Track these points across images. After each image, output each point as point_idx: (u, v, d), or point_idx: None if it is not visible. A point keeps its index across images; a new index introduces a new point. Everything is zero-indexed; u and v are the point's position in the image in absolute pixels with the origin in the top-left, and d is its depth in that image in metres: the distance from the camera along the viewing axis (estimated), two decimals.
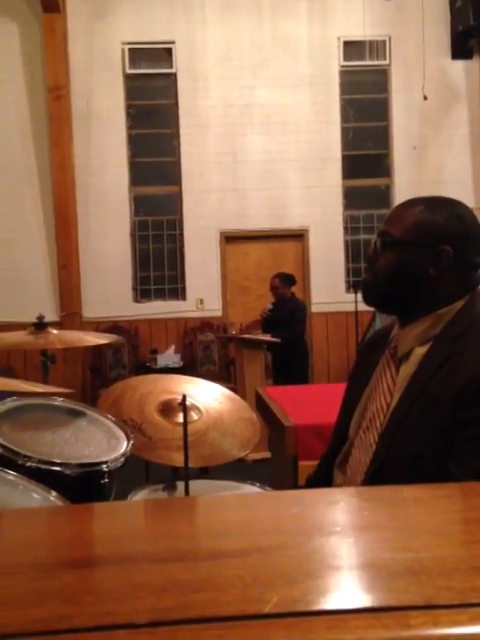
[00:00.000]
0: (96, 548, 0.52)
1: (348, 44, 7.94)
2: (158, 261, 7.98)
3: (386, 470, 1.36)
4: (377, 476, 1.37)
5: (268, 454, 4.32)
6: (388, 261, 1.42)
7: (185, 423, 1.90)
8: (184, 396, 1.96)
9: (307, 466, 2.49)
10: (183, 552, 0.49)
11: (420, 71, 7.73)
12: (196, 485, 2.11)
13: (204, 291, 7.91)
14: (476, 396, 1.25)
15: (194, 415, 2.29)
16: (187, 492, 1.95)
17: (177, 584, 0.43)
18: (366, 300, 1.49)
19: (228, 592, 0.42)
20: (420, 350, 1.40)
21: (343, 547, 0.51)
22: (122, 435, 1.80)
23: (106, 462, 1.64)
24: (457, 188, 7.88)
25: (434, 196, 1.49)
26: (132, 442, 1.77)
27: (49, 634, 0.35)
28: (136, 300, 7.93)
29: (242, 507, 0.63)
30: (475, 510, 0.58)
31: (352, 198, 8.04)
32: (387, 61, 7.98)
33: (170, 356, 7.53)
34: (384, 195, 8.10)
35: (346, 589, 0.43)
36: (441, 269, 1.37)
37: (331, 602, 0.40)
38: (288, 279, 6.38)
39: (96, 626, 0.36)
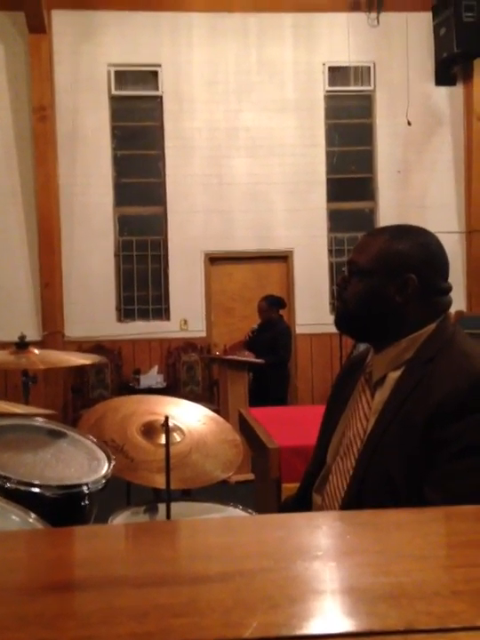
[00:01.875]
0: (77, 571, 0.51)
1: (333, 69, 8.05)
2: (142, 281, 7.98)
3: (362, 495, 1.36)
4: (354, 500, 1.38)
5: (251, 476, 4.30)
6: (356, 290, 1.45)
7: (167, 445, 1.89)
8: (166, 418, 1.95)
9: (290, 488, 2.48)
10: (164, 576, 0.48)
11: (405, 97, 7.84)
12: (178, 508, 2.09)
13: (188, 311, 7.91)
14: (446, 418, 1.27)
15: (176, 437, 2.28)
16: (168, 515, 1.93)
17: (158, 608, 0.43)
18: (338, 328, 1.53)
19: (209, 617, 0.41)
20: (394, 375, 1.41)
21: (325, 571, 0.51)
22: (103, 456, 1.79)
23: (86, 484, 1.62)
24: (440, 211, 7.99)
25: (399, 225, 1.53)
26: (113, 463, 1.76)
27: None
28: (119, 320, 7.90)
29: (224, 530, 0.63)
30: (454, 535, 0.58)
31: (336, 221, 8.11)
32: (371, 87, 8.09)
33: (153, 377, 7.50)
34: (368, 218, 8.18)
35: (328, 614, 0.43)
36: (407, 296, 1.41)
37: (313, 626, 0.40)
38: (276, 302, 6.39)
39: None
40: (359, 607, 0.43)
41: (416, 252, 1.41)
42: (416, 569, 0.49)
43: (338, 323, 1.51)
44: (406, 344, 1.41)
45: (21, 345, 2.15)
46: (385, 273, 1.41)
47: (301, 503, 1.61)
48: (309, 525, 0.64)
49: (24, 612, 0.43)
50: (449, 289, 1.46)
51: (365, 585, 0.47)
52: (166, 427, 1.92)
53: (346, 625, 0.40)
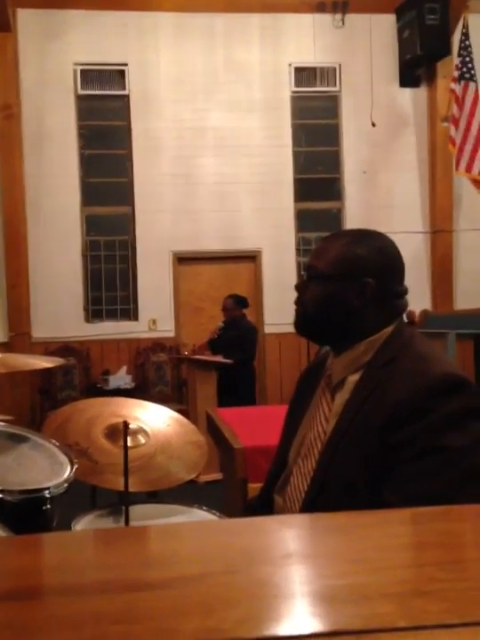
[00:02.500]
0: (14, 581, 0.52)
1: (299, 70, 8.10)
2: (110, 282, 7.94)
3: (322, 497, 1.38)
4: (314, 502, 1.40)
5: (220, 476, 4.32)
6: (314, 294, 1.47)
7: (125, 449, 1.90)
8: (125, 422, 1.96)
9: (256, 488, 2.50)
10: (109, 584, 0.49)
11: (369, 98, 7.93)
12: (141, 510, 2.10)
13: (156, 311, 7.89)
14: (403, 420, 1.28)
15: (141, 439, 2.28)
16: (126, 521, 1.93)
17: (94, 616, 0.44)
18: (298, 332, 1.53)
19: (145, 622, 0.42)
20: (353, 378, 1.43)
21: (262, 576, 0.52)
22: (65, 460, 1.79)
23: (48, 488, 1.62)
24: (406, 211, 8.09)
25: (356, 229, 1.56)
26: (75, 467, 1.76)
27: None
28: (87, 321, 7.86)
29: (171, 536, 0.64)
30: (392, 537, 0.60)
31: (304, 221, 8.16)
32: (337, 88, 8.16)
33: (122, 377, 7.47)
34: (335, 218, 8.25)
35: (257, 618, 0.44)
36: (365, 300, 1.43)
37: (243, 630, 0.41)
38: (241, 301, 6.42)
39: None
40: (291, 611, 0.45)
41: (374, 256, 1.43)
42: (349, 572, 0.51)
43: (297, 326, 1.52)
44: (365, 347, 1.43)
45: None
46: (343, 277, 1.43)
47: (264, 504, 1.63)
48: (254, 529, 0.65)
49: None
50: (405, 292, 1.48)
51: (297, 589, 0.48)
52: (125, 431, 1.93)
53: (273, 628, 0.41)
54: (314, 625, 0.41)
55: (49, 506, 1.62)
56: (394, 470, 1.28)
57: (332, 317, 1.45)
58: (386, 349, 1.41)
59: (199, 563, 0.55)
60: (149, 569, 0.54)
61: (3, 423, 1.86)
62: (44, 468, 1.74)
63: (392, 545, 0.61)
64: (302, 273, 1.58)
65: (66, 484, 1.68)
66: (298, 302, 1.52)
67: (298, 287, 1.51)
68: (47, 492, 1.62)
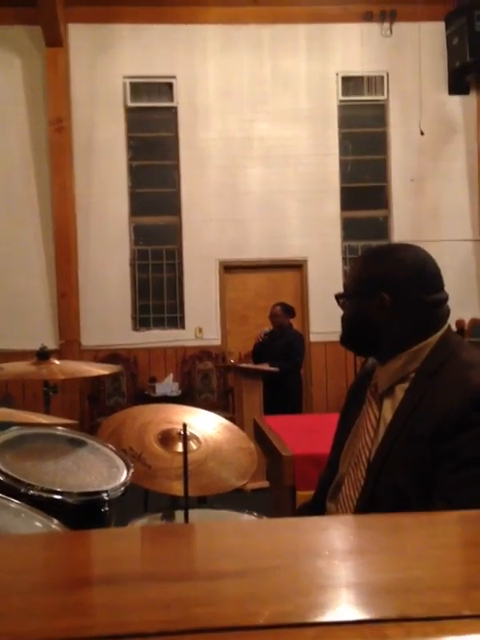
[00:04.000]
0: (106, 568, 0.57)
1: (346, 79, 8.11)
2: (157, 290, 8.05)
3: (373, 505, 1.41)
4: (365, 509, 1.42)
5: (266, 484, 4.33)
6: (346, 313, 1.58)
7: (185, 452, 1.95)
8: (185, 425, 2.01)
9: (304, 495, 2.52)
10: (187, 573, 0.54)
11: (418, 106, 7.89)
12: (194, 515, 2.14)
13: (202, 320, 7.97)
14: (452, 429, 1.30)
15: (193, 445, 2.33)
16: (186, 520, 1.98)
17: (181, 600, 0.48)
18: (343, 346, 1.64)
19: (226, 607, 0.46)
20: (402, 387, 1.46)
21: (331, 568, 0.56)
22: (122, 464, 1.84)
23: (106, 491, 1.68)
24: (454, 219, 8.02)
25: (381, 245, 1.65)
26: (131, 471, 1.81)
27: None
28: (135, 329, 7.98)
29: (238, 532, 0.68)
30: (451, 536, 0.63)
31: (350, 229, 8.15)
32: (385, 96, 8.14)
33: (168, 385, 7.56)
34: (382, 226, 8.21)
35: (331, 605, 0.48)
36: (386, 314, 1.47)
37: (317, 615, 0.45)
38: (289, 310, 6.43)
39: (112, 635, 0.41)
40: (359, 599, 0.48)
41: (388, 271, 1.48)
42: (412, 567, 0.54)
43: (341, 341, 1.62)
44: (407, 357, 1.46)
45: (42, 355, 2.21)
46: (361, 295, 1.51)
47: (316, 510, 1.66)
48: (317, 528, 0.69)
49: (62, 603, 0.48)
50: (441, 300, 1.49)
51: (366, 580, 0.52)
52: (184, 434, 1.98)
53: (346, 614, 0.45)
54: (382, 611, 0.45)
55: (107, 508, 1.67)
56: (443, 480, 1.29)
57: (360, 333, 1.54)
58: (432, 358, 1.43)
59: (268, 556, 0.59)
60: (222, 560, 0.58)
61: (62, 428, 1.93)
62: (102, 471, 1.79)
63: (448, 543, 0.64)
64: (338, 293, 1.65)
65: (123, 488, 1.73)
66: (341, 319, 1.61)
67: (340, 306, 1.61)
68: (105, 494, 1.67)
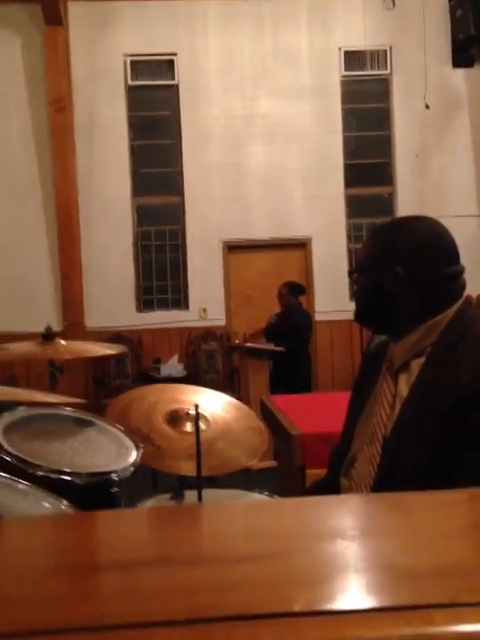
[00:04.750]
0: (123, 552, 0.53)
1: (348, 53, 7.99)
2: (161, 271, 8.01)
3: (390, 482, 1.38)
4: (382, 486, 1.40)
5: (273, 463, 4.33)
6: (360, 287, 1.57)
7: (197, 432, 1.93)
8: (196, 406, 1.98)
9: (314, 474, 2.50)
10: (211, 556, 0.50)
11: (422, 80, 7.78)
12: (204, 494, 2.12)
13: (207, 300, 7.93)
14: (468, 406, 1.28)
15: (202, 425, 2.30)
16: (200, 500, 1.96)
17: (207, 585, 0.45)
18: (357, 322, 1.64)
19: (259, 592, 0.43)
20: (418, 362, 1.44)
21: (365, 550, 0.53)
22: (131, 444, 1.82)
23: (115, 471, 1.66)
24: (459, 195, 7.93)
25: (394, 219, 1.70)
26: (141, 451, 1.79)
27: (91, 630, 0.37)
28: (139, 310, 7.95)
29: (256, 513, 0.65)
30: (469, 516, 0.60)
31: (355, 207, 8.08)
32: (388, 71, 8.03)
33: (173, 366, 7.55)
34: (387, 203, 8.14)
35: (371, 589, 0.45)
36: (401, 287, 1.44)
37: (358, 601, 0.42)
38: (296, 288, 6.39)
39: (135, 623, 0.37)
40: (402, 583, 0.45)
41: (401, 244, 1.45)
42: (453, 548, 0.51)
43: (355, 317, 1.60)
44: (423, 331, 1.43)
45: (48, 336, 2.19)
46: (375, 269, 1.49)
47: (328, 487, 1.64)
48: (339, 507, 0.66)
49: (79, 589, 0.45)
50: (457, 273, 1.47)
51: (405, 562, 0.48)
52: (196, 414, 1.95)
53: (390, 599, 0.42)
54: (427, 596, 0.41)
55: (116, 488, 1.65)
56: (465, 454, 1.27)
57: (375, 306, 1.52)
58: (449, 333, 1.41)
59: (291, 538, 0.55)
60: (243, 542, 0.55)
61: (69, 408, 1.90)
62: (111, 451, 1.77)
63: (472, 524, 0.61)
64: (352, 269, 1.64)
65: (132, 468, 1.71)
66: (355, 295, 1.62)
67: (352, 281, 1.61)
68: (114, 474, 1.65)
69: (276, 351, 5.92)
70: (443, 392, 1.32)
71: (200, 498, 1.97)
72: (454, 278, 1.46)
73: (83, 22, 7.73)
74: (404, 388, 1.44)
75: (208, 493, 2.18)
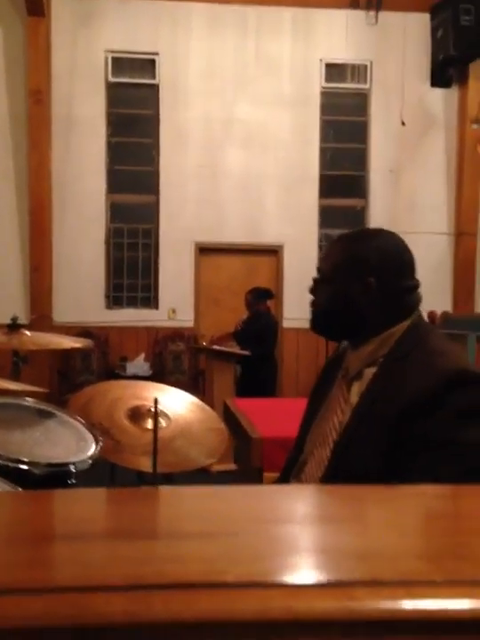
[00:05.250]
0: (72, 526, 0.56)
1: (330, 66, 8.09)
2: (132, 269, 8.01)
3: (336, 483, 1.42)
4: None
5: (233, 466, 4.35)
6: (324, 295, 1.55)
7: (155, 427, 1.94)
8: (156, 400, 2.01)
9: (271, 477, 2.53)
10: (158, 532, 0.54)
11: (400, 97, 7.90)
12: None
13: (176, 301, 7.94)
14: (416, 412, 1.31)
15: (162, 422, 2.32)
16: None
17: (150, 557, 0.48)
18: (314, 331, 1.61)
19: (198, 564, 0.46)
20: (370, 371, 1.48)
21: (299, 534, 0.56)
22: (90, 437, 1.84)
23: (73, 463, 1.67)
24: (431, 212, 8.07)
25: (358, 230, 1.69)
26: (100, 445, 1.80)
27: (39, 592, 0.40)
28: (108, 307, 7.93)
29: (205, 497, 0.68)
30: (422, 508, 0.64)
31: (327, 217, 8.16)
32: (367, 85, 8.14)
33: (139, 365, 7.54)
34: (359, 215, 8.24)
35: (300, 567, 0.48)
36: (369, 298, 1.48)
37: (289, 577, 0.45)
38: (261, 294, 6.43)
39: (79, 586, 0.40)
40: (328, 562, 0.48)
41: (372, 255, 1.48)
42: (382, 535, 0.55)
43: (312, 326, 1.60)
44: (379, 342, 1.47)
45: (13, 326, 2.19)
46: (345, 278, 1.50)
47: None
48: (285, 495, 0.69)
49: (27, 557, 0.48)
50: (415, 286, 1.52)
51: (335, 546, 0.52)
52: (155, 409, 1.97)
53: (317, 576, 0.45)
54: (351, 574, 0.45)
55: (74, 480, 1.67)
56: (407, 462, 1.31)
57: (340, 316, 1.52)
58: (402, 344, 1.45)
59: (235, 520, 0.59)
60: (189, 522, 0.58)
61: (31, 399, 1.91)
62: (70, 443, 1.79)
63: (415, 515, 0.64)
64: (312, 276, 1.64)
65: (90, 461, 1.72)
66: (311, 304, 1.60)
67: (312, 290, 1.59)
68: (72, 466, 1.66)
69: (241, 354, 5.96)
70: (391, 400, 1.36)
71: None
72: (413, 291, 1.51)
73: (66, 15, 7.70)
74: (356, 395, 1.48)
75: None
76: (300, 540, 0.54)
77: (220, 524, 0.57)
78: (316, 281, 1.58)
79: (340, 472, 1.42)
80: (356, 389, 1.49)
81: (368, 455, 1.36)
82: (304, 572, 0.46)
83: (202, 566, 0.45)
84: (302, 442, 1.62)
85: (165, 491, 0.92)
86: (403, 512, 0.63)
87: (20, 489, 1.49)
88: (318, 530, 0.57)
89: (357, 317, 1.49)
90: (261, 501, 0.65)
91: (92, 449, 1.77)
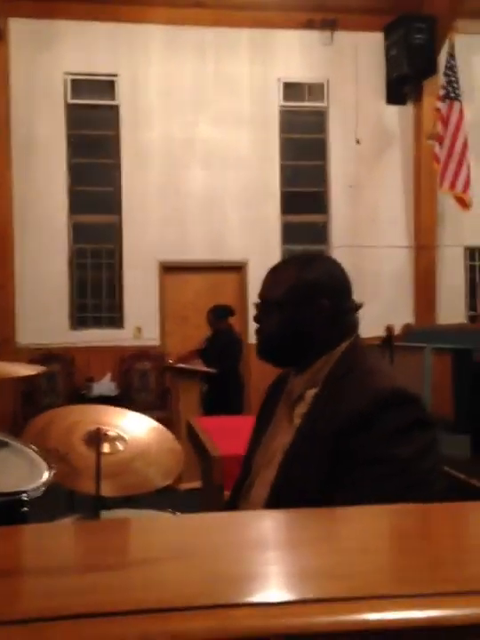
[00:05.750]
0: (22, 561, 0.60)
1: (287, 85, 8.22)
2: (96, 289, 8.00)
3: (279, 504, 1.45)
4: (272, 505, 1.46)
5: (200, 484, 4.36)
6: (274, 322, 1.54)
7: (98, 455, 1.98)
8: (98, 429, 2.04)
9: None
10: (105, 564, 0.59)
11: (356, 114, 8.06)
12: (114, 515, 2.16)
13: (142, 320, 7.95)
14: (353, 430, 1.35)
15: (119, 445, 2.34)
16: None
17: (103, 587, 0.52)
18: (262, 358, 1.60)
19: (167, 590, 0.50)
20: (311, 392, 1.51)
21: (274, 556, 0.61)
22: (43, 464, 1.85)
23: (25, 491, 1.68)
24: (390, 226, 8.22)
25: (302, 255, 1.70)
26: (53, 471, 1.82)
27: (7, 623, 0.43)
28: (73, 328, 7.90)
29: (186, 527, 0.72)
30: (364, 529, 0.70)
31: (290, 233, 8.26)
32: (325, 103, 8.29)
33: (106, 385, 7.52)
34: (321, 231, 8.35)
35: (278, 585, 0.54)
36: (321, 320, 1.51)
37: (265, 596, 0.50)
38: (222, 312, 6.46)
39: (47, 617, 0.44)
40: (305, 581, 0.54)
41: (323, 278, 1.52)
42: (335, 554, 0.61)
43: (260, 353, 1.59)
44: (321, 364, 1.51)
45: None
46: (298, 302, 1.51)
47: (232, 510, 1.71)
48: (254, 520, 0.74)
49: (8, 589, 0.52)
50: (356, 307, 1.56)
51: (288, 569, 0.58)
52: (98, 438, 2.00)
53: (293, 593, 0.50)
54: (306, 593, 0.49)
55: (27, 508, 1.68)
56: (343, 478, 1.34)
57: (292, 341, 1.53)
58: (341, 364, 1.49)
59: (206, 546, 0.64)
60: (155, 549, 0.62)
61: None
62: (23, 472, 1.79)
63: (384, 534, 0.69)
64: (256, 303, 1.65)
65: (43, 488, 1.73)
66: (259, 331, 1.59)
67: (257, 318, 1.59)
68: (24, 494, 1.67)
69: (205, 372, 5.98)
70: (329, 419, 1.40)
71: (98, 517, 2.03)
72: (353, 312, 1.56)
73: (24, 38, 7.72)
74: (298, 417, 1.51)
75: (118, 514, 2.23)
76: (250, 563, 0.59)
77: (179, 550, 0.60)
78: (261, 307, 1.58)
79: (284, 491, 1.45)
80: (299, 411, 1.52)
81: (309, 474, 1.39)
82: (280, 590, 0.52)
83: (174, 591, 0.50)
84: (249, 464, 1.64)
85: (127, 521, 0.97)
86: (350, 533, 0.67)
87: None
88: (268, 554, 0.62)
89: (308, 341, 1.51)
90: (225, 528, 0.70)
91: (44, 476, 1.78)
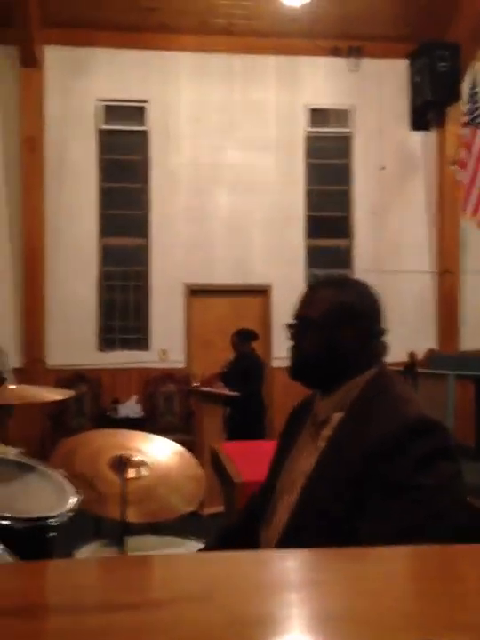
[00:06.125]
0: (43, 599, 0.63)
1: (313, 111, 8.32)
2: (124, 311, 8.11)
3: (301, 527, 1.47)
4: (293, 534, 1.48)
5: (222, 508, 4.38)
6: (310, 341, 1.56)
7: (123, 482, 2.03)
8: (122, 457, 2.09)
9: None
10: (128, 603, 0.61)
11: (381, 140, 8.12)
12: (139, 541, 2.21)
13: (167, 342, 8.03)
14: (378, 458, 1.36)
15: (143, 471, 2.40)
16: (124, 549, 2.04)
17: (125, 629, 0.55)
18: (293, 377, 1.60)
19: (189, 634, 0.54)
20: (338, 415, 1.53)
21: (296, 599, 0.64)
22: (71, 490, 1.90)
23: (53, 517, 1.73)
24: (414, 251, 8.24)
25: (339, 277, 1.76)
26: (80, 497, 1.87)
27: None
28: (100, 350, 8.00)
29: (192, 564, 0.75)
30: (389, 571, 0.73)
31: (314, 257, 8.31)
32: (349, 129, 8.37)
33: (131, 407, 7.59)
34: (345, 255, 8.39)
35: (300, 632, 0.56)
36: (356, 342, 1.54)
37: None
38: (246, 336, 6.51)
39: None
40: (328, 625, 0.56)
41: (359, 300, 1.55)
42: (358, 598, 0.64)
43: (294, 373, 1.59)
44: (349, 387, 1.52)
45: None
46: (335, 323, 1.52)
47: (241, 532, 1.73)
48: (278, 560, 0.78)
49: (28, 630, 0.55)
50: (384, 331, 1.58)
51: (334, 609, 0.61)
52: (124, 465, 2.06)
53: (317, 638, 0.54)
54: (326, 636, 0.53)
55: (54, 534, 1.73)
56: (368, 505, 1.35)
57: (327, 361, 1.54)
58: (368, 390, 1.50)
59: (227, 587, 0.67)
60: (179, 587, 0.65)
61: (12, 453, 1.99)
62: (50, 497, 1.85)
63: (388, 578, 0.72)
64: (292, 322, 1.67)
65: (70, 514, 1.78)
66: (294, 350, 1.59)
67: (294, 336, 1.59)
68: (52, 520, 1.73)
69: (229, 396, 6.02)
70: (355, 444, 1.41)
71: (124, 544, 2.06)
72: (382, 336, 1.58)
73: (58, 66, 7.92)
74: (324, 440, 1.52)
75: (142, 540, 2.27)
76: (294, 605, 0.62)
77: (200, 590, 0.64)
78: (297, 327, 1.58)
79: (305, 514, 1.46)
80: (325, 434, 1.52)
81: (332, 499, 1.40)
82: (301, 637, 0.54)
83: (197, 634, 0.52)
84: (271, 488, 1.64)
85: (150, 558, 0.99)
86: (403, 574, 0.71)
87: (1, 545, 1.55)
88: (307, 595, 0.65)
89: (342, 362, 1.52)
90: (248, 568, 0.73)
91: (71, 502, 1.84)
